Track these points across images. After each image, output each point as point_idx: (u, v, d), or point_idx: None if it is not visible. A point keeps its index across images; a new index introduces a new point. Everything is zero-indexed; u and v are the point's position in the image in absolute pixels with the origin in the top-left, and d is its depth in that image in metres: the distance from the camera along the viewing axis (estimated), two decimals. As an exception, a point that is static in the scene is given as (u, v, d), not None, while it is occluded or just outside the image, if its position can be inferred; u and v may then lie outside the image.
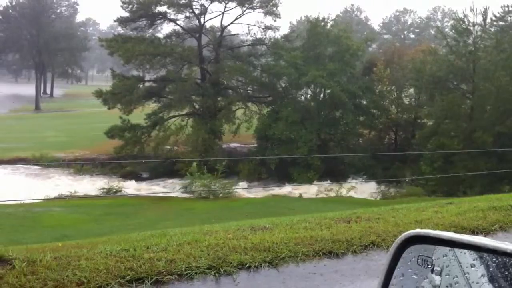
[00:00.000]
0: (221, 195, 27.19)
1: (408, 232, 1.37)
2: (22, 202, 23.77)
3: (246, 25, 40.04)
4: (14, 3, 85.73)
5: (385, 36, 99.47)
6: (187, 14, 38.99)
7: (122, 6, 36.49)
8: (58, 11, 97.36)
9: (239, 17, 39.48)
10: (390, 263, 1.36)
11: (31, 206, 23.58)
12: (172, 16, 38.49)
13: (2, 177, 30.83)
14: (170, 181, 31.96)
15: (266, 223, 6.20)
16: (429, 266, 1.34)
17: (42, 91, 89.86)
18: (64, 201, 26.04)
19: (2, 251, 4.76)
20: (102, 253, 4.55)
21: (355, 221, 6.09)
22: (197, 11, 38.10)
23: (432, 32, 79.35)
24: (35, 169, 33.00)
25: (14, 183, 29.52)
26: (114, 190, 27.83)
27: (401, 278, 1.35)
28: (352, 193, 29.55)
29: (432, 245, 1.34)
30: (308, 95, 39.00)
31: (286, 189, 30.01)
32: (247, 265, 4.46)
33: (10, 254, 4.73)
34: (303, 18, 54.97)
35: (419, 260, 1.35)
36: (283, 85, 38.01)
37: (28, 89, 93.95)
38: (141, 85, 37.14)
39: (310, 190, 29.75)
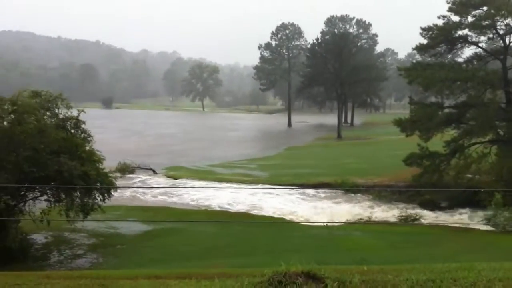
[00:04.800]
0: (532, 230, 24.42)
1: None
2: (325, 224, 25.59)
3: None
4: (320, 41, 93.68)
5: None
6: (490, 35, 36.65)
7: (421, 33, 36.36)
8: (358, 44, 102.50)
9: (553, 34, 35.21)
10: None
11: (333, 228, 25.09)
12: (474, 39, 36.64)
13: (308, 200, 33.63)
14: (471, 212, 30.12)
15: None
16: None
17: (343, 120, 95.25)
18: (362, 225, 26.92)
19: (316, 269, 5.24)
20: (407, 281, 4.60)
21: None
22: (501, 31, 35.46)
23: None
24: (337, 193, 35.00)
25: (318, 206, 31.91)
26: (412, 218, 27.56)
27: None
28: None
29: None
30: None
31: None
32: None
33: (323, 273, 5.17)
34: None
35: None
36: None
37: (330, 119, 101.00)
38: (440, 112, 36.21)
39: None
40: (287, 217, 28.51)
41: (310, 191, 35.28)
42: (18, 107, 19.14)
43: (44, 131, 19.14)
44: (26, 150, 17.94)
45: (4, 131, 18.45)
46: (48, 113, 21.13)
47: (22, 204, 19.93)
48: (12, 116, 18.98)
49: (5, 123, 19.43)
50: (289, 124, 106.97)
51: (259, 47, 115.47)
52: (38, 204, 20.37)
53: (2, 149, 18.07)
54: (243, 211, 30.32)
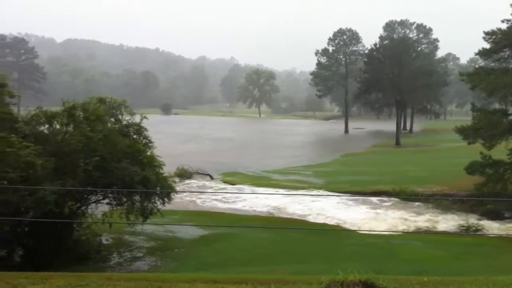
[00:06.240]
0: None
1: None
2: (382, 233, 25.15)
3: None
4: (378, 46, 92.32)
5: None
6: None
7: (484, 38, 35.30)
8: (418, 49, 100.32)
9: None
10: None
11: (390, 237, 24.62)
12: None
13: (364, 208, 33.14)
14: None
15: None
16: None
17: (402, 127, 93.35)
18: (420, 235, 26.30)
19: (373, 279, 5.19)
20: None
21: None
22: None
23: None
24: (395, 201, 34.31)
25: (375, 214, 31.40)
26: (474, 228, 26.69)
27: None
28: None
29: None
30: None
31: None
32: None
33: (381, 283, 5.11)
34: None
35: None
36: None
37: (388, 125, 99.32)
38: (504, 119, 34.94)
39: None
40: (343, 225, 28.21)
41: (366, 198, 34.79)
42: (90, 114, 19.90)
43: (112, 140, 19.83)
44: (95, 157, 18.58)
45: (78, 139, 19.08)
46: (112, 119, 21.85)
47: (85, 207, 20.69)
48: (84, 122, 19.66)
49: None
50: (346, 131, 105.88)
51: (316, 53, 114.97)
52: (100, 207, 21.09)
53: (75, 158, 18.69)
54: (299, 218, 30.25)
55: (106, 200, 20.86)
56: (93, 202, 20.92)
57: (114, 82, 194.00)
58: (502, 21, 34.72)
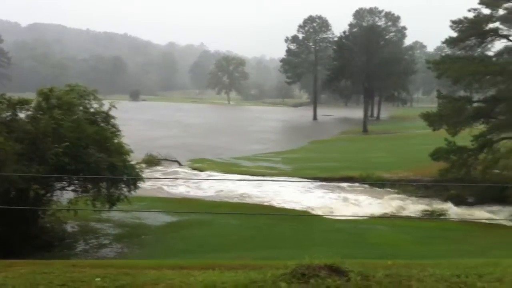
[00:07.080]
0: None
1: None
2: (350, 218, 25.49)
3: None
4: (347, 33, 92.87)
5: None
6: (522, 28, 35.82)
7: (451, 26, 35.83)
8: (387, 37, 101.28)
9: None
10: None
11: (358, 222, 24.96)
12: (504, 32, 35.91)
13: (331, 193, 33.47)
14: (498, 207, 29.67)
15: None
16: None
17: (369, 114, 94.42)
18: (387, 220, 26.72)
19: (339, 263, 5.22)
20: (432, 276, 4.54)
21: None
22: (534, 25, 34.68)
23: None
24: (361, 187, 34.79)
25: (342, 200, 31.77)
26: (438, 213, 27.26)
27: None
28: None
29: None
30: None
31: None
32: None
33: (346, 267, 5.15)
34: None
35: None
36: None
37: (356, 113, 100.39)
38: (469, 106, 35.69)
39: None
40: (311, 211, 28.41)
41: (333, 184, 35.16)
42: (63, 103, 19.52)
43: (80, 126, 19.48)
44: (65, 143, 18.24)
45: (49, 123, 18.70)
46: (80, 108, 21.37)
47: (49, 194, 20.30)
48: (58, 110, 19.29)
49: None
50: (315, 118, 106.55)
51: (286, 40, 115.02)
52: (65, 195, 20.72)
53: (45, 142, 18.34)
54: (269, 203, 30.33)
55: (72, 187, 20.49)
56: (58, 189, 20.53)
57: (82, 67, 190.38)
58: (469, 10, 35.27)
